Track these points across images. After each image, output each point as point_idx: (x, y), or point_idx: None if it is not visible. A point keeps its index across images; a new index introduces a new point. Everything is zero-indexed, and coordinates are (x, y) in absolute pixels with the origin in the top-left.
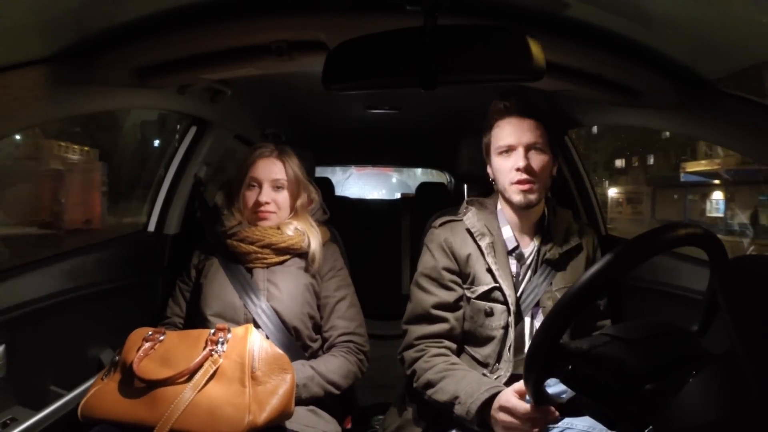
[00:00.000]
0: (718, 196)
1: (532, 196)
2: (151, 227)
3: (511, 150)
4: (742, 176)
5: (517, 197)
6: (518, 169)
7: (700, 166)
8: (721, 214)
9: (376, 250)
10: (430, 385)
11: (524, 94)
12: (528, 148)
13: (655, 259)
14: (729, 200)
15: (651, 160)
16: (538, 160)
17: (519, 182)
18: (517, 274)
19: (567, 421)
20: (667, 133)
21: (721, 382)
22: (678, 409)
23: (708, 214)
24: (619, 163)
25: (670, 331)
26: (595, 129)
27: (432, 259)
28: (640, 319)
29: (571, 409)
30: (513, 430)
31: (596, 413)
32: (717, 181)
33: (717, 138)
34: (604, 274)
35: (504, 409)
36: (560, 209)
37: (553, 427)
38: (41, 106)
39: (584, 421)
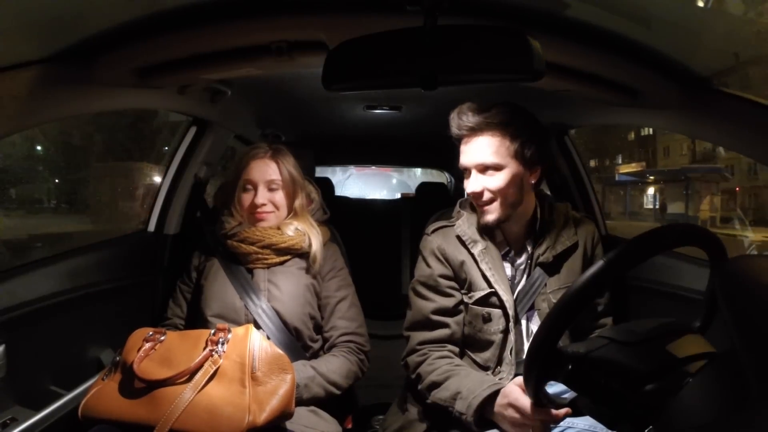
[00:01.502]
0: (651, 191)
1: (490, 217)
2: (151, 227)
3: (468, 171)
4: (667, 175)
5: (481, 218)
6: (470, 194)
7: (630, 168)
8: (651, 206)
9: (376, 250)
10: (435, 385)
11: (476, 106)
12: (481, 169)
13: (655, 259)
14: (660, 195)
15: (619, 160)
16: (492, 179)
17: (478, 205)
18: (513, 277)
19: (568, 421)
20: (632, 136)
21: (721, 382)
22: (678, 409)
23: (644, 207)
24: (592, 163)
25: (668, 331)
26: (573, 132)
27: (427, 267)
28: (637, 321)
29: (572, 408)
30: (520, 427)
31: (597, 413)
32: (651, 178)
33: (717, 138)
34: (601, 276)
35: (512, 406)
36: (557, 204)
37: (554, 427)
38: (41, 106)
39: (585, 421)
